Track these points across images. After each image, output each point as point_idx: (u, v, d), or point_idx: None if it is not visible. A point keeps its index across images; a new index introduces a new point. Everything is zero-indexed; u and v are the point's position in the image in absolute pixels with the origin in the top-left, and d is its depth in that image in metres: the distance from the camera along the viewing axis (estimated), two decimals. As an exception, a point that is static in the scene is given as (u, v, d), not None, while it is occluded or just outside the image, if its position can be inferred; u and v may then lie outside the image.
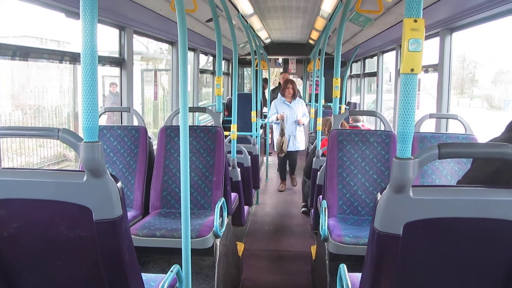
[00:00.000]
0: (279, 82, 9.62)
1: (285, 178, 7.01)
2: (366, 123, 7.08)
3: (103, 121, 4.71)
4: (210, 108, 3.88)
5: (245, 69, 12.12)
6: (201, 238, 2.84)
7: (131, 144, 3.48)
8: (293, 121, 6.51)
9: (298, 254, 4.41)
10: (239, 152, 4.75)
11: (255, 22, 6.67)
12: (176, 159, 3.40)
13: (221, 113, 3.64)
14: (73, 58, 3.52)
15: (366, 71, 8.17)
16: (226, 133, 3.96)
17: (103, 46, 4.58)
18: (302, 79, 11.59)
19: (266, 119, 7.00)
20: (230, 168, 4.09)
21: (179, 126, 2.13)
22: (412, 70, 1.32)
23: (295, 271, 4.02)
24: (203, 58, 7.87)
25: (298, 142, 6.57)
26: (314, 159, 4.58)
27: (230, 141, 4.34)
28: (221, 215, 3.16)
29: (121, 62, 4.09)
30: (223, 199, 3.26)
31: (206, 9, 4.12)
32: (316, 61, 7.73)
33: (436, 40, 4.04)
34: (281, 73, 10.78)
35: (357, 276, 1.94)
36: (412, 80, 1.33)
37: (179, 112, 2.12)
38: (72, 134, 1.46)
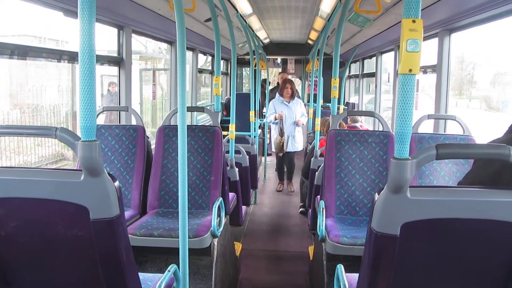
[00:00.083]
0: (278, 82, 9.60)
1: (283, 178, 6.99)
2: (365, 123, 7.09)
3: (101, 120, 4.70)
4: (208, 107, 3.87)
5: (243, 69, 12.11)
6: (198, 237, 2.84)
7: (129, 143, 3.48)
8: (292, 122, 6.46)
9: (296, 254, 4.41)
10: (237, 152, 4.74)
11: (254, 22, 6.66)
12: (174, 159, 3.40)
13: (220, 113, 3.64)
14: (72, 57, 3.52)
15: (364, 72, 8.17)
16: (224, 132, 3.96)
17: (101, 45, 4.58)
18: (300, 79, 11.59)
19: (265, 119, 6.98)
20: (228, 168, 4.09)
21: (177, 125, 2.13)
22: (410, 70, 1.33)
23: (292, 271, 4.02)
24: (201, 58, 7.86)
25: (297, 142, 6.54)
26: (312, 159, 4.58)
27: (228, 141, 4.33)
28: (219, 215, 3.15)
29: (119, 61, 4.09)
30: (221, 198, 3.26)
31: (205, 9, 4.12)
32: (314, 61, 7.73)
33: (435, 41, 4.05)
34: (279, 73, 10.78)
35: (355, 276, 1.94)
36: (410, 80, 1.33)
37: (177, 112, 2.12)
38: (70, 133, 1.46)
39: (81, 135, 1.43)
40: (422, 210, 1.38)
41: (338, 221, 3.12)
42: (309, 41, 9.46)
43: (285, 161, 6.79)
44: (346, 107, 8.32)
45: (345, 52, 7.90)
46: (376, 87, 6.77)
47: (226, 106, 8.75)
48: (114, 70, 4.21)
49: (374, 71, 6.87)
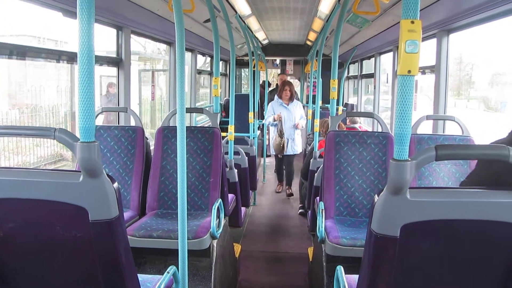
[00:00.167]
0: (277, 84, 9.58)
1: (282, 179, 6.96)
2: (364, 124, 7.09)
3: (99, 121, 4.69)
4: (207, 109, 3.87)
5: (242, 70, 12.11)
6: (198, 239, 2.84)
7: (128, 144, 3.47)
8: (291, 124, 6.37)
9: (295, 255, 4.41)
10: (236, 153, 4.74)
11: (253, 23, 6.66)
12: (173, 160, 3.39)
13: (219, 114, 3.64)
14: (71, 57, 3.51)
15: (363, 73, 8.18)
16: (223, 134, 3.96)
17: (100, 46, 4.57)
18: (299, 80, 11.59)
19: (264, 120, 6.96)
20: (227, 169, 4.09)
21: (176, 126, 2.13)
22: (409, 71, 1.33)
23: (292, 273, 4.01)
24: (200, 59, 7.86)
25: (296, 145, 6.46)
26: (311, 160, 4.58)
27: (227, 142, 4.33)
28: (218, 216, 3.15)
29: (118, 62, 4.08)
30: (220, 200, 3.26)
31: (203, 10, 4.12)
32: (313, 62, 7.73)
33: (433, 41, 4.05)
34: (278, 74, 10.76)
35: (354, 278, 1.94)
36: (409, 81, 1.33)
37: (176, 113, 2.12)
38: (69, 134, 1.46)
39: (80, 136, 1.43)
40: (422, 212, 1.38)
41: (337, 222, 3.12)
42: (308, 42, 9.46)
43: (284, 164, 6.71)
44: (345, 108, 8.32)
45: (344, 53, 7.90)
46: (375, 88, 6.77)
47: (225, 107, 8.74)
48: (113, 70, 4.21)
49: (373, 72, 6.87)
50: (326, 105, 7.89)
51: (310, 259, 3.71)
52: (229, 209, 3.65)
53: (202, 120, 7.83)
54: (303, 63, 11.09)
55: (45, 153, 6.52)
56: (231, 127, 4.21)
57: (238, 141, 5.59)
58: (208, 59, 8.42)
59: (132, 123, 3.78)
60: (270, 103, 6.59)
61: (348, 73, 9.35)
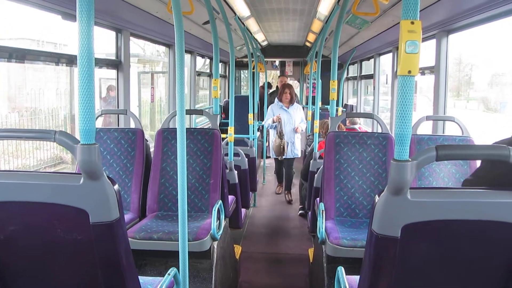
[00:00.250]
0: (277, 86, 9.56)
1: (282, 181, 6.93)
2: (363, 125, 7.09)
3: (99, 123, 4.69)
4: (207, 110, 3.87)
5: (242, 72, 12.12)
6: (198, 241, 2.84)
7: (128, 146, 3.47)
8: (291, 128, 6.28)
9: (296, 256, 4.40)
10: (236, 154, 4.74)
11: (252, 25, 6.67)
12: (173, 162, 3.39)
13: (218, 116, 3.64)
14: (70, 60, 3.51)
15: (362, 74, 8.18)
16: (223, 135, 3.96)
17: (99, 49, 4.57)
18: (299, 81, 11.60)
19: (263, 122, 6.94)
20: (227, 170, 4.09)
21: (176, 128, 2.13)
22: (409, 72, 1.33)
23: (292, 274, 4.01)
24: (199, 61, 7.87)
25: (296, 149, 6.38)
26: (311, 161, 4.57)
27: (227, 144, 4.33)
28: (219, 218, 3.15)
29: (117, 64, 4.08)
30: (220, 201, 3.26)
31: (203, 12, 4.13)
32: (313, 63, 7.74)
33: (433, 42, 4.05)
34: (279, 76, 10.75)
35: (355, 278, 1.94)
36: (409, 82, 1.33)
37: (176, 115, 2.12)
38: (69, 136, 1.46)
39: (80, 138, 1.43)
40: (423, 212, 1.38)
41: (338, 223, 3.12)
42: (307, 44, 9.46)
43: (284, 166, 6.63)
44: (344, 109, 8.32)
45: (343, 54, 7.91)
46: (374, 89, 6.78)
47: (224, 109, 8.73)
48: (111, 73, 4.21)
49: (372, 73, 6.87)
50: (326, 106, 7.89)
51: (311, 260, 3.71)
52: (229, 211, 3.65)
53: (201, 122, 7.83)
54: (302, 64, 11.10)
55: (45, 156, 6.53)
56: (230, 129, 4.21)
57: (238, 142, 5.59)
58: (207, 61, 8.43)
59: (132, 125, 3.78)
60: (270, 106, 6.51)
61: (347, 74, 9.36)
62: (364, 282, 1.56)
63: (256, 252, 4.50)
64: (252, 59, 6.99)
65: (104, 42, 4.24)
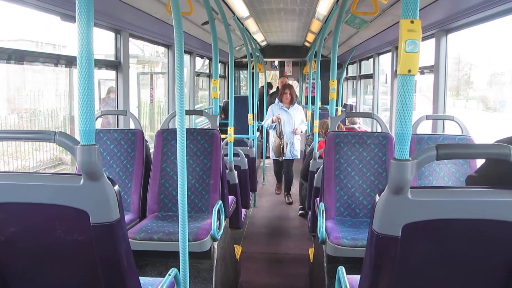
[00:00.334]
0: (278, 87, 9.55)
1: (281, 180, 6.91)
2: (363, 125, 7.09)
3: (97, 124, 4.69)
4: (206, 111, 3.87)
5: (241, 72, 12.12)
6: (198, 241, 2.84)
7: (128, 147, 3.47)
8: (291, 129, 6.24)
9: (296, 256, 4.40)
10: (236, 155, 4.74)
11: (251, 25, 6.66)
12: (173, 162, 3.39)
13: (218, 116, 3.64)
14: (69, 61, 3.51)
15: (362, 73, 8.19)
16: (223, 136, 3.95)
17: (98, 50, 4.57)
18: (298, 81, 11.61)
19: (263, 122, 6.93)
20: (227, 171, 4.09)
21: (175, 129, 2.13)
22: (409, 71, 1.33)
23: (293, 274, 4.01)
24: (199, 61, 7.87)
25: (296, 150, 6.34)
26: (311, 161, 4.57)
27: (227, 144, 4.33)
28: (219, 218, 3.15)
29: (117, 65, 4.08)
30: (220, 202, 3.26)
31: (202, 12, 4.12)
32: (312, 63, 7.73)
33: (432, 41, 4.06)
34: (280, 77, 10.74)
35: (356, 278, 1.94)
36: (409, 81, 1.33)
37: (175, 115, 2.12)
38: (69, 137, 1.46)
39: (80, 139, 1.43)
40: (423, 211, 1.38)
41: (338, 223, 3.12)
42: (306, 44, 9.46)
43: (283, 167, 6.59)
44: (344, 109, 8.32)
45: (342, 54, 7.91)
46: (373, 89, 6.78)
47: (224, 109, 8.73)
48: (111, 74, 4.20)
49: (372, 72, 6.87)
50: (325, 106, 7.89)
51: (311, 260, 3.71)
52: (230, 211, 3.65)
53: (201, 122, 7.83)
54: (301, 64, 11.10)
55: (45, 157, 6.52)
56: (230, 129, 4.21)
57: (237, 142, 5.59)
58: (207, 61, 8.43)
59: (132, 126, 3.78)
60: (270, 106, 6.48)
61: (346, 74, 9.36)
62: (364, 282, 1.56)
63: (256, 252, 4.50)
64: (252, 59, 6.99)
65: (103, 43, 4.23)
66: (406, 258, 1.44)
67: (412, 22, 1.31)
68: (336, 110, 7.02)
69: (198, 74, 7.67)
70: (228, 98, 6.72)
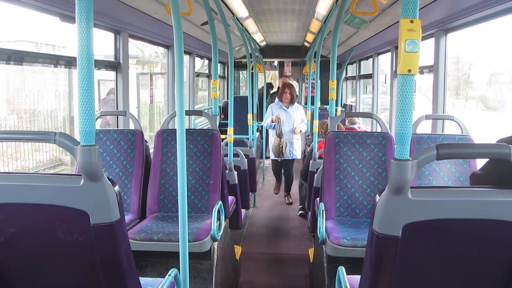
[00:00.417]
0: (278, 87, 9.55)
1: (280, 179, 6.83)
2: (362, 125, 7.09)
3: (97, 125, 4.68)
4: (206, 111, 3.87)
5: (240, 72, 12.12)
6: (198, 241, 2.83)
7: (128, 147, 3.47)
8: (290, 128, 6.18)
9: (296, 257, 4.40)
10: (235, 155, 4.74)
11: (250, 25, 6.66)
12: (173, 163, 3.39)
13: (218, 116, 3.64)
14: (68, 62, 3.51)
15: (361, 73, 8.19)
16: (222, 136, 3.95)
17: (98, 50, 4.57)
18: (297, 81, 11.61)
19: (262, 122, 6.91)
20: (227, 171, 4.09)
21: (175, 129, 2.13)
22: (409, 71, 1.33)
23: (293, 274, 4.01)
24: (198, 62, 7.86)
25: (295, 150, 6.26)
26: (311, 161, 4.57)
27: (226, 144, 4.33)
28: (219, 219, 3.15)
29: (116, 65, 4.08)
30: (220, 202, 3.26)
31: (201, 12, 4.12)
32: (311, 63, 7.73)
33: (431, 41, 4.06)
34: (279, 77, 10.74)
35: (356, 278, 1.94)
36: (409, 80, 1.33)
37: (175, 116, 2.12)
38: (69, 137, 1.46)
39: (80, 140, 1.43)
40: (424, 211, 1.38)
41: (338, 223, 3.11)
42: (306, 44, 9.46)
43: (283, 168, 6.51)
44: (343, 109, 8.31)
45: (342, 54, 7.90)
46: (373, 88, 6.78)
47: (223, 110, 8.73)
48: (110, 74, 4.20)
49: (371, 72, 6.88)
50: (325, 106, 7.90)
51: (311, 260, 3.71)
52: (229, 211, 3.65)
53: (201, 123, 7.83)
54: (301, 64, 11.10)
55: (44, 158, 6.51)
56: (230, 129, 4.20)
57: (237, 143, 5.59)
58: (206, 61, 8.42)
59: (131, 126, 3.78)
60: (269, 105, 6.43)
61: (346, 73, 9.36)
62: (365, 282, 1.55)
63: (256, 253, 4.50)
64: (251, 59, 6.99)
65: (103, 43, 4.23)
66: (407, 258, 1.44)
67: (412, 21, 1.31)
68: (336, 110, 7.01)
69: (198, 75, 7.68)
70: (227, 99, 6.72)
